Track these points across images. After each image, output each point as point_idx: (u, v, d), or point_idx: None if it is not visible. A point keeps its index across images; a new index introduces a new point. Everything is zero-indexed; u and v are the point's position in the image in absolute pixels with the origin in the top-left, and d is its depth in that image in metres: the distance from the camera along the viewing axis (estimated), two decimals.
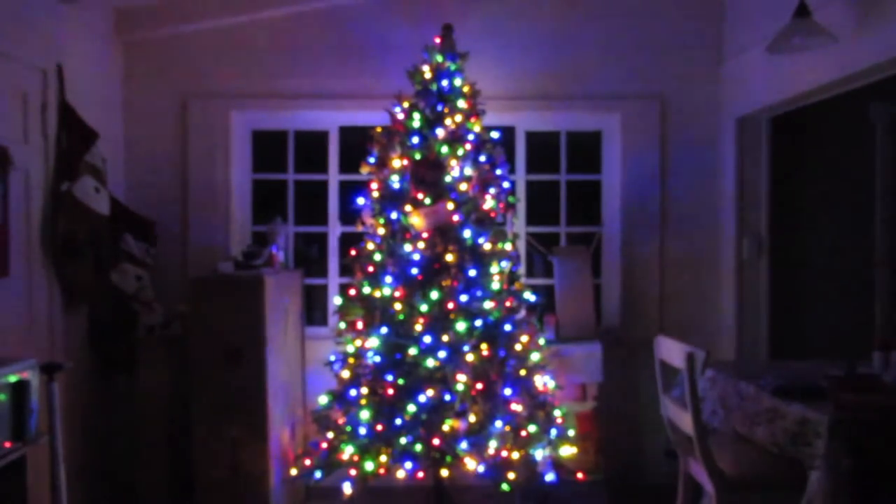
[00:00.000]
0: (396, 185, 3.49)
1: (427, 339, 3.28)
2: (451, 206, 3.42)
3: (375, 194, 3.56)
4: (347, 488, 3.38)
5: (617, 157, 4.26)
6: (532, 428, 3.36)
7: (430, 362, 3.26)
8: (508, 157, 3.77)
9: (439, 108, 3.54)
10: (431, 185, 3.46)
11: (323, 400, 3.53)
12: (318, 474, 3.45)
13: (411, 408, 3.26)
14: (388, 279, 3.41)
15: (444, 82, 3.55)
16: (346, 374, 3.48)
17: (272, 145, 4.38)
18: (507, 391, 3.32)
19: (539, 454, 3.38)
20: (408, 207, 3.45)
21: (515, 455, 3.31)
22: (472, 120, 3.58)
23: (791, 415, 2.59)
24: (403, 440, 3.28)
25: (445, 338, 3.28)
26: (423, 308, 3.34)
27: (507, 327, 3.41)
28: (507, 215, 3.82)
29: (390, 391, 3.32)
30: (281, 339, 3.61)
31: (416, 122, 3.52)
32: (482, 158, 3.57)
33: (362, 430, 3.34)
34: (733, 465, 2.76)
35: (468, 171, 3.52)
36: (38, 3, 3.30)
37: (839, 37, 2.95)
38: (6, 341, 2.97)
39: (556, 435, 3.47)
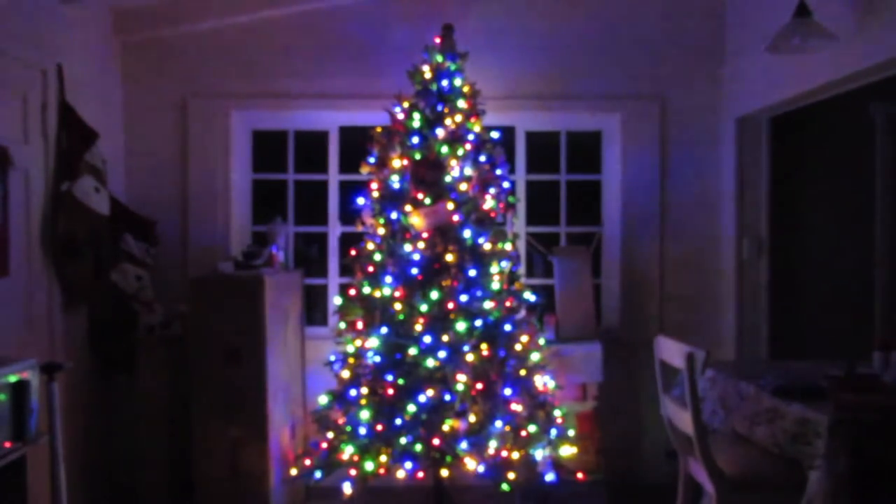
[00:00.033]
0: (396, 185, 3.49)
1: (427, 339, 3.28)
2: (451, 206, 3.42)
3: (375, 194, 3.56)
4: (347, 488, 3.38)
5: (617, 157, 4.26)
6: (532, 428, 3.36)
7: (430, 362, 3.26)
8: (508, 157, 3.77)
9: (439, 108, 3.54)
10: (431, 185, 3.46)
11: (323, 400, 3.53)
12: (318, 474, 3.45)
13: (411, 408, 3.26)
14: (388, 279, 3.41)
15: (444, 82, 3.55)
16: (346, 374, 3.48)
17: (272, 145, 4.38)
18: (507, 391, 3.32)
19: (539, 454, 3.38)
20: (408, 207, 3.45)
21: (515, 455, 3.31)
22: (472, 120, 3.58)
23: (791, 415, 2.59)
24: (403, 440, 3.28)
25: (445, 338, 3.28)
26: (423, 308, 3.34)
27: (507, 327, 3.41)
28: (507, 215, 3.82)
29: (390, 391, 3.32)
30: (281, 339, 3.61)
31: (416, 122, 3.52)
32: (482, 158, 3.57)
33: (362, 430, 3.34)
34: (733, 465, 2.76)
35: (468, 171, 3.52)
36: (38, 3, 3.30)
37: (839, 37, 2.95)
38: (6, 341, 2.97)
39: (556, 435, 3.47)
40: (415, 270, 3.39)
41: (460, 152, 3.49)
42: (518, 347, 3.43)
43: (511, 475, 3.27)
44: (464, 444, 3.24)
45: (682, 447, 3.03)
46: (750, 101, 3.91)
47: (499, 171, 3.60)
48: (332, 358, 3.55)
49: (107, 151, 3.73)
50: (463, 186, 3.47)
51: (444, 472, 3.39)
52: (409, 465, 3.27)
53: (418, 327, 3.31)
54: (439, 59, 3.59)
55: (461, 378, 3.26)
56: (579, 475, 3.60)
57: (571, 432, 3.58)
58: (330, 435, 3.45)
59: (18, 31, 3.14)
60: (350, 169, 4.17)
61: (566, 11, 4.19)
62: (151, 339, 3.68)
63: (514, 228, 4.06)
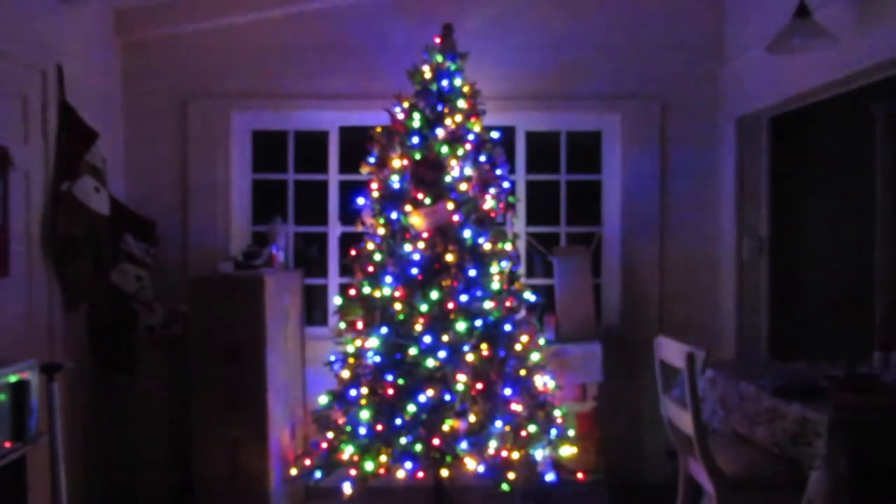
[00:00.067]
0: (396, 185, 3.49)
1: (427, 339, 3.28)
2: (451, 206, 3.42)
3: (375, 194, 3.56)
4: (347, 488, 3.38)
5: (617, 157, 4.26)
6: (532, 428, 3.36)
7: (430, 362, 3.26)
8: (508, 157, 3.77)
9: (439, 108, 3.54)
10: (431, 185, 3.46)
11: (323, 400, 3.53)
12: (318, 474, 3.45)
13: (411, 408, 3.26)
14: (388, 279, 3.41)
15: (444, 82, 3.55)
16: (346, 374, 3.49)
17: (272, 145, 4.37)
18: (507, 391, 3.32)
19: (539, 454, 3.38)
20: (408, 207, 3.45)
21: (515, 455, 3.31)
22: (472, 120, 3.58)
23: (791, 415, 2.59)
24: (403, 440, 3.28)
25: (445, 338, 3.28)
26: (423, 308, 3.34)
27: (507, 327, 3.42)
28: (507, 215, 3.82)
29: (390, 391, 3.32)
30: (281, 339, 3.61)
31: (416, 122, 3.52)
32: (482, 158, 3.57)
33: (362, 430, 3.34)
34: (733, 465, 2.76)
35: (468, 171, 3.52)
36: (38, 3, 3.30)
37: (839, 37, 2.95)
38: (6, 341, 2.97)
39: (556, 435, 3.47)
40: (415, 270, 3.39)
41: (460, 152, 3.49)
42: (518, 347, 3.43)
43: (511, 475, 3.27)
44: (464, 444, 3.24)
45: (682, 447, 3.03)
46: (750, 101, 3.91)
47: (499, 171, 3.60)
48: (332, 358, 3.55)
49: (107, 151, 3.73)
50: (463, 186, 3.47)
51: (444, 472, 3.39)
52: (409, 465, 3.27)
53: (418, 327, 3.31)
54: (439, 59, 3.59)
55: (461, 378, 3.26)
56: (579, 475, 3.60)
57: (571, 432, 3.58)
58: (330, 435, 3.45)
59: (18, 31, 3.14)
60: (350, 169, 4.17)
61: (566, 11, 4.18)
62: (151, 339, 3.68)
63: (514, 228, 4.06)
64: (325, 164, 4.33)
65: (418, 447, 3.28)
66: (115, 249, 3.74)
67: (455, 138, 3.51)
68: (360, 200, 3.59)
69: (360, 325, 3.47)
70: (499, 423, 3.29)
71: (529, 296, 3.58)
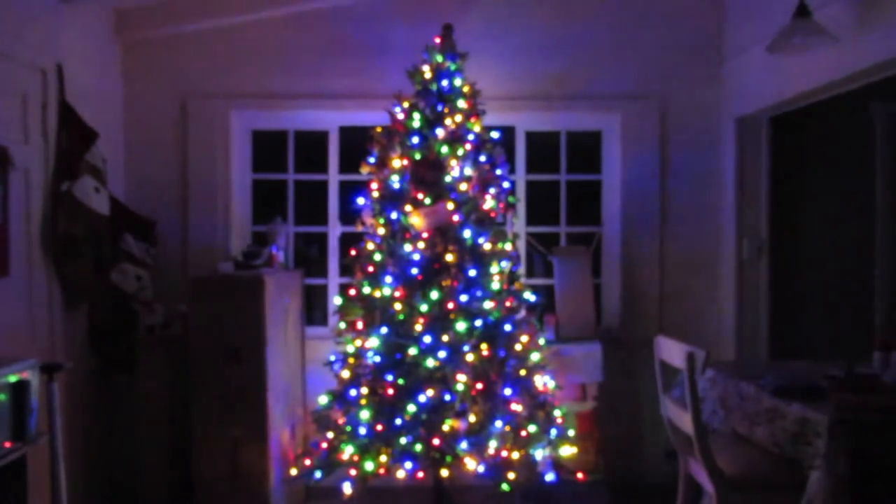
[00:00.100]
0: (396, 185, 3.49)
1: (427, 339, 3.28)
2: (451, 206, 3.42)
3: (375, 194, 3.56)
4: (347, 488, 3.38)
5: (617, 157, 4.26)
6: (532, 428, 3.36)
7: (430, 362, 3.26)
8: (508, 157, 3.77)
9: (439, 108, 3.54)
10: (431, 185, 3.46)
11: (323, 400, 3.53)
12: (318, 474, 3.45)
13: (411, 408, 3.26)
14: (388, 279, 3.41)
15: (444, 82, 3.55)
16: (346, 374, 3.49)
17: (272, 145, 4.38)
18: (507, 391, 3.32)
19: (539, 454, 3.38)
20: (408, 207, 3.45)
21: (515, 455, 3.31)
22: (472, 120, 3.58)
23: (791, 415, 2.59)
24: (403, 440, 3.28)
25: (445, 338, 3.28)
26: (423, 308, 3.34)
27: (507, 327, 3.41)
28: (507, 215, 3.82)
29: (390, 391, 3.32)
30: (281, 339, 3.61)
31: (416, 122, 3.52)
32: (482, 158, 3.57)
33: (362, 430, 3.34)
34: (733, 465, 2.76)
35: (468, 171, 3.52)
36: (38, 3, 3.30)
37: (839, 37, 2.95)
38: (6, 341, 2.97)
39: (556, 435, 3.47)
40: (415, 270, 3.39)
41: (460, 152, 3.49)
42: (518, 347, 3.43)
43: (511, 475, 3.27)
44: (464, 444, 3.24)
45: (682, 447, 3.03)
46: (750, 101, 3.91)
47: (499, 171, 3.60)
48: (332, 358, 3.55)
49: (107, 151, 3.73)
50: (463, 186, 3.47)
51: (444, 472, 3.39)
52: (409, 465, 3.27)
53: (418, 327, 3.31)
54: (439, 59, 3.59)
55: (461, 378, 3.26)
56: (579, 475, 3.60)
57: (571, 432, 3.58)
58: (330, 435, 3.45)
59: (18, 31, 3.14)
60: (350, 169, 4.17)
61: (566, 12, 4.18)
62: (151, 339, 3.68)
63: (514, 228, 4.06)
64: (325, 164, 4.33)
65: (418, 447, 3.28)
66: (115, 249, 3.74)
67: (455, 138, 3.51)
68: (360, 200, 3.59)
69: (360, 325, 3.47)
70: (499, 423, 3.29)
71: (529, 296, 3.58)
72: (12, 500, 2.38)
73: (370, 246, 3.51)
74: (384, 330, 3.37)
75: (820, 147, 4.56)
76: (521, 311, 3.55)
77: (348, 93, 4.14)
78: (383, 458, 3.31)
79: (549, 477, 3.40)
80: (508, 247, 3.56)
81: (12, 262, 3.06)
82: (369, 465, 3.30)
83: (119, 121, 4.11)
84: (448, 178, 3.47)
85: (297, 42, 4.16)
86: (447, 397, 3.26)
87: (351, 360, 3.49)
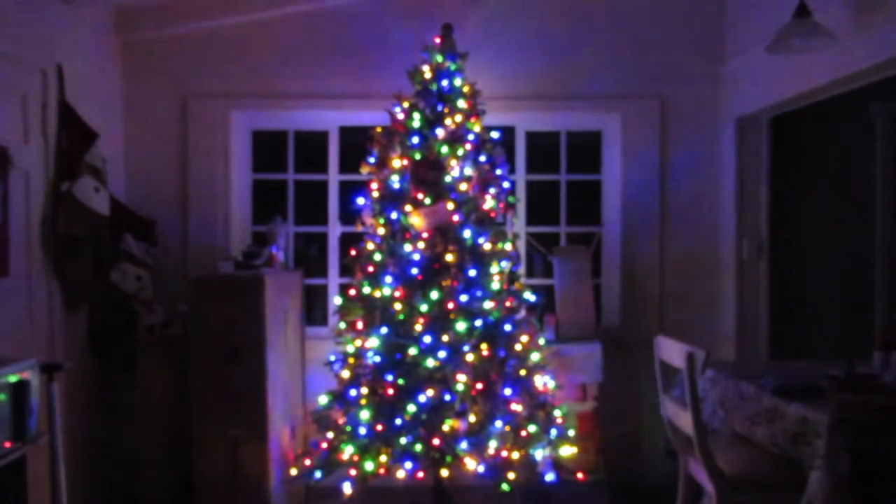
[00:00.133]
0: (396, 185, 3.49)
1: (427, 339, 3.28)
2: (451, 206, 3.42)
3: (375, 194, 3.56)
4: (347, 488, 3.38)
5: (617, 157, 4.26)
6: (532, 428, 3.36)
7: (430, 362, 3.26)
8: (508, 157, 3.77)
9: (439, 108, 3.55)
10: (431, 185, 3.46)
11: (323, 400, 3.53)
12: (318, 474, 3.45)
13: (411, 408, 3.26)
14: (388, 279, 3.41)
15: (444, 82, 3.55)
16: (346, 374, 3.49)
17: (272, 145, 4.38)
18: (507, 391, 3.33)
19: (539, 454, 3.38)
20: (408, 207, 3.45)
21: (515, 455, 3.31)
22: (472, 120, 3.58)
23: (791, 415, 2.59)
24: (403, 440, 3.28)
25: (445, 338, 3.28)
26: (423, 308, 3.34)
27: (507, 327, 3.42)
28: (507, 215, 3.82)
29: (390, 391, 3.32)
30: (281, 339, 3.61)
31: (416, 122, 3.52)
32: (482, 158, 3.57)
33: (362, 430, 3.34)
34: (733, 465, 2.76)
35: (468, 171, 3.52)
36: (38, 3, 3.30)
37: (839, 37, 2.95)
38: (6, 341, 2.97)
39: (556, 435, 3.47)
40: (415, 270, 3.39)
41: (460, 152, 3.49)
42: (518, 347, 3.43)
43: (511, 475, 3.27)
44: (464, 444, 3.24)
45: (682, 447, 3.03)
46: (750, 101, 3.91)
47: (499, 171, 3.60)
48: (332, 358, 3.55)
49: (107, 151, 3.73)
50: (463, 186, 3.47)
51: (444, 472, 3.39)
52: (409, 465, 3.27)
53: (418, 327, 3.31)
54: (439, 59, 3.59)
55: (461, 378, 3.26)
56: (579, 475, 3.60)
57: (571, 432, 3.58)
58: (330, 435, 3.45)
59: (18, 31, 3.14)
60: (350, 169, 4.17)
61: (566, 11, 4.18)
62: (151, 339, 3.68)
63: (514, 228, 4.06)
64: (325, 164, 4.33)
65: (418, 447, 3.28)
66: (115, 249, 3.74)
67: (455, 138, 3.51)
68: (360, 200, 3.59)
69: (360, 325, 3.47)
70: (499, 423, 3.29)
71: (529, 296, 3.58)
72: (12, 500, 2.38)
73: (370, 246, 3.51)
74: (384, 330, 3.37)
75: (820, 147, 4.56)
76: (521, 311, 3.55)
77: (348, 93, 4.14)
78: (383, 458, 3.32)
79: (549, 477, 3.41)
80: (508, 247, 3.56)
81: (12, 263, 3.06)
82: (369, 465, 3.31)
83: (119, 121, 4.11)
84: (448, 178, 3.47)
85: (297, 42, 4.16)
86: (447, 397, 3.26)
87: (351, 360, 3.49)
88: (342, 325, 3.53)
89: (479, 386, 3.31)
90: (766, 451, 2.79)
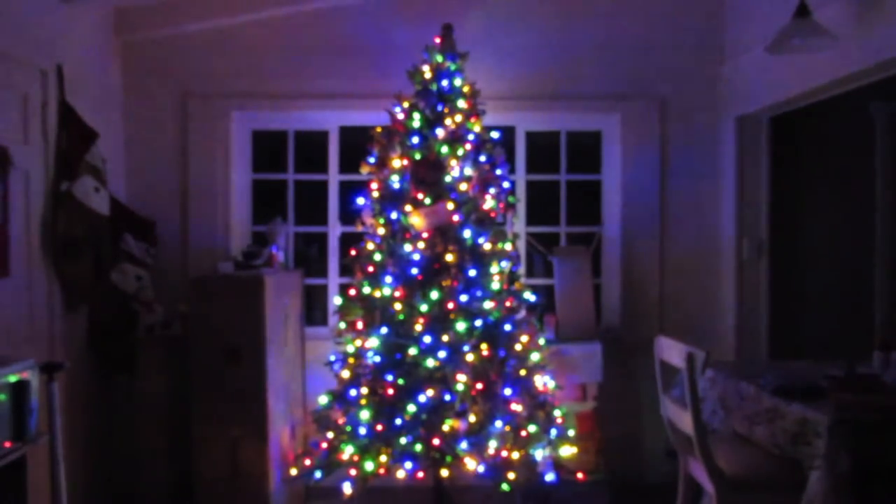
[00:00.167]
0: (396, 185, 3.49)
1: (427, 339, 3.28)
2: (451, 206, 3.42)
3: (375, 194, 3.56)
4: (347, 488, 3.38)
5: (617, 157, 4.26)
6: (532, 428, 3.36)
7: (430, 362, 3.26)
8: (508, 157, 3.77)
9: (439, 108, 3.54)
10: (431, 185, 3.46)
11: (323, 400, 3.53)
12: (318, 474, 3.45)
13: (411, 408, 3.26)
14: (388, 279, 3.41)
15: (444, 82, 3.55)
16: (346, 374, 3.49)
17: (272, 145, 4.38)
18: (507, 391, 3.32)
19: (539, 454, 3.38)
20: (408, 207, 3.45)
21: (515, 455, 3.31)
22: (472, 120, 3.58)
23: (791, 415, 2.59)
24: (403, 440, 3.28)
25: (445, 338, 3.28)
26: (423, 308, 3.34)
27: (507, 327, 3.42)
28: (507, 215, 3.82)
29: (390, 391, 3.32)
30: (281, 339, 3.61)
31: (416, 122, 3.52)
32: (482, 158, 3.57)
33: (362, 430, 3.34)
34: (733, 465, 2.76)
35: (468, 171, 3.52)
36: (38, 3, 3.30)
37: (839, 37, 2.95)
38: (6, 341, 2.97)
39: (556, 435, 3.47)
40: (415, 270, 3.39)
41: (460, 152, 3.49)
42: (518, 347, 3.43)
43: (511, 475, 3.27)
44: (464, 444, 3.24)
45: (682, 447, 3.03)
46: (750, 101, 3.91)
47: (499, 171, 3.60)
48: (332, 358, 3.55)
49: (107, 151, 3.73)
50: (463, 186, 3.47)
51: (444, 472, 3.39)
52: (409, 465, 3.27)
53: (418, 327, 3.31)
54: (439, 59, 3.59)
55: (461, 378, 3.26)
56: (579, 475, 3.60)
57: (571, 432, 3.58)
58: (330, 435, 3.45)
59: (18, 31, 3.14)
60: (350, 169, 4.17)
61: (566, 11, 4.18)
62: (151, 339, 3.68)
63: (514, 228, 4.06)
64: (325, 164, 4.33)
65: (418, 447, 3.28)
66: (115, 249, 3.74)
67: (455, 138, 3.51)
68: (360, 200, 3.59)
69: (360, 325, 3.47)
70: (499, 423, 3.29)
71: (529, 296, 3.58)
72: (12, 500, 2.38)
73: (370, 246, 3.51)
74: (384, 330, 3.37)
75: (820, 147, 4.56)
76: (521, 311, 3.55)
77: (348, 93, 4.14)
78: (383, 458, 3.32)
79: (549, 477, 3.41)
80: (508, 247, 3.56)
81: (12, 263, 3.06)
82: (369, 465, 3.31)
83: (119, 121, 4.10)
84: (448, 178, 3.47)
85: (297, 42, 4.16)
86: (447, 397, 3.26)
87: (351, 360, 3.49)
88: (342, 325, 3.53)
89: (479, 386, 3.31)
90: (766, 451, 2.79)
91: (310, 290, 4.32)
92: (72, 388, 3.42)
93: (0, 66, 3.02)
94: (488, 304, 3.39)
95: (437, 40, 3.63)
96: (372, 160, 3.58)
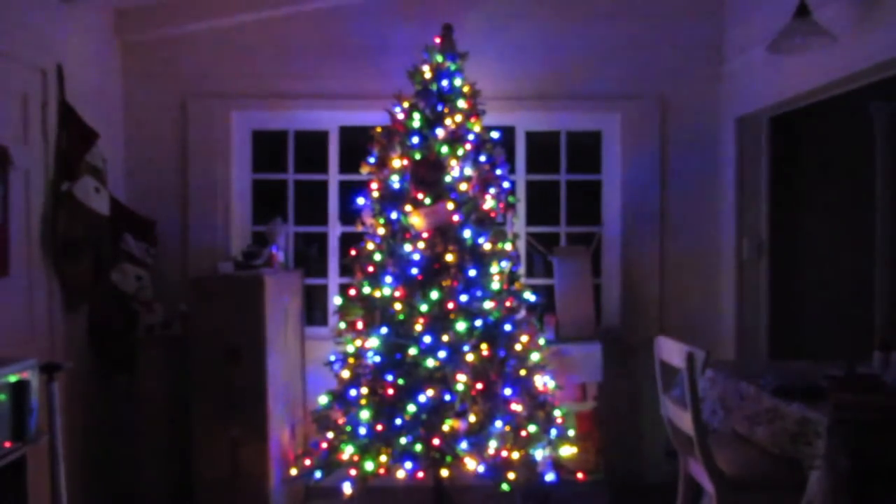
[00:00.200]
0: (396, 185, 3.49)
1: (427, 339, 3.28)
2: (451, 206, 3.42)
3: (375, 194, 3.56)
4: (347, 488, 3.38)
5: (617, 157, 4.26)
6: (532, 428, 3.36)
7: (430, 362, 3.26)
8: (508, 157, 3.77)
9: (439, 108, 3.55)
10: (431, 185, 3.46)
11: (323, 400, 3.53)
12: (318, 474, 3.45)
13: (411, 408, 3.26)
14: (388, 279, 3.41)
15: (444, 82, 3.55)
16: (346, 374, 3.49)
17: (272, 145, 4.38)
18: (507, 391, 3.32)
19: (539, 454, 3.38)
20: (408, 207, 3.45)
21: (515, 455, 3.31)
22: (472, 120, 3.58)
23: (791, 415, 2.59)
24: (403, 440, 3.28)
25: (445, 338, 3.28)
26: (423, 308, 3.34)
27: (507, 327, 3.42)
28: (507, 215, 3.82)
29: (390, 391, 3.32)
30: (281, 339, 3.61)
31: (416, 122, 3.52)
32: (482, 158, 3.57)
33: (362, 430, 3.34)
34: (733, 465, 2.76)
35: (468, 171, 3.52)
36: (38, 3, 3.30)
37: (839, 37, 2.95)
38: (6, 341, 2.97)
39: (556, 435, 3.47)
40: (415, 270, 3.39)
41: (460, 152, 3.49)
42: (518, 347, 3.43)
43: (511, 475, 3.27)
44: (464, 444, 3.24)
45: (682, 447, 3.03)
46: (750, 101, 3.91)
47: (499, 171, 3.60)
48: (332, 358, 3.55)
49: (107, 151, 3.73)
50: (463, 186, 3.47)
51: (444, 472, 3.39)
52: (409, 465, 3.27)
53: (418, 327, 3.31)
54: (439, 59, 3.59)
55: (461, 378, 3.26)
56: (579, 475, 3.60)
57: (571, 432, 3.58)
58: (330, 435, 3.45)
59: (18, 31, 3.14)
60: (350, 169, 4.17)
61: (566, 11, 4.18)
62: (151, 339, 3.68)
63: (514, 228, 4.06)
64: (325, 164, 4.33)
65: (418, 447, 3.28)
66: (115, 249, 3.74)
67: (455, 138, 3.51)
68: (360, 200, 3.59)
69: (360, 325, 3.47)
70: (499, 423, 3.29)
71: (529, 296, 3.59)
72: (12, 500, 2.38)
73: (370, 246, 3.51)
74: (384, 330, 3.37)
75: (820, 147, 4.56)
76: (521, 311, 3.55)
77: (348, 93, 4.14)
78: (383, 458, 3.32)
79: (549, 477, 3.41)
80: (508, 247, 3.56)
81: (12, 262, 3.06)
82: (369, 465, 3.31)
83: (119, 121, 4.11)
84: (448, 178, 3.47)
85: (297, 42, 4.16)
86: (447, 397, 3.26)
87: (351, 360, 3.49)
88: (342, 325, 3.53)
89: (479, 386, 3.31)
90: (766, 451, 2.79)
91: (310, 290, 4.32)
92: (72, 388, 3.43)
93: (0, 66, 3.02)
94: (488, 304, 3.39)
95: (437, 40, 3.63)
96: (372, 160, 3.58)
